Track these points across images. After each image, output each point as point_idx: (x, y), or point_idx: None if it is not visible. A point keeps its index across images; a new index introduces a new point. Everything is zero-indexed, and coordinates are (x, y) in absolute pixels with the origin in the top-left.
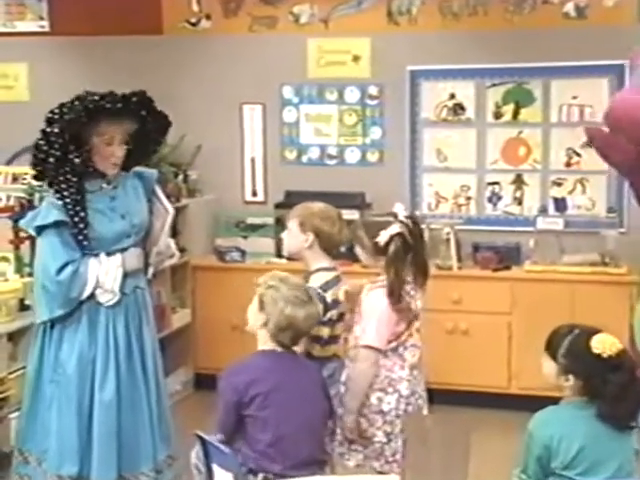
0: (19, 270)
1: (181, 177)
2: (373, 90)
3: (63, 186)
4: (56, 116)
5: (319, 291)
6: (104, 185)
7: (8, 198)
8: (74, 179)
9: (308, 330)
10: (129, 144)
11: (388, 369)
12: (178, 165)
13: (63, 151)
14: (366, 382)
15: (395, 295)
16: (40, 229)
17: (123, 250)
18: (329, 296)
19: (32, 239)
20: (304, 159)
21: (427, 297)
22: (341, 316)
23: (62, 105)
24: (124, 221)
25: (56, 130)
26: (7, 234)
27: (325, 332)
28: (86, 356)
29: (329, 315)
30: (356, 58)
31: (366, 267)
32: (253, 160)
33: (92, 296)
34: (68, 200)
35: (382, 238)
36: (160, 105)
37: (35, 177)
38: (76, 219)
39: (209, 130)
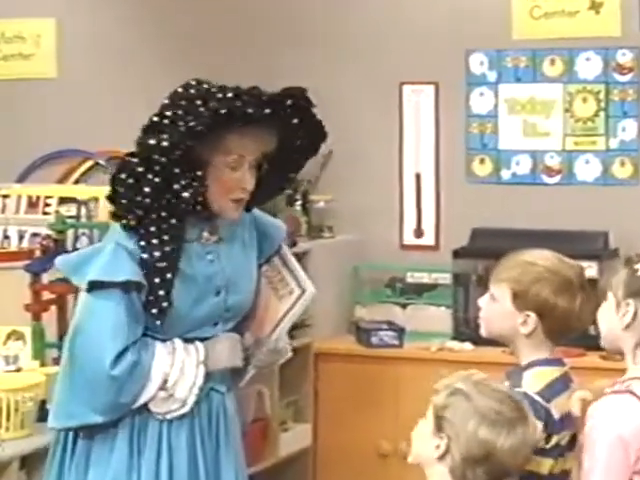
0: (39, 354)
1: (299, 204)
2: (625, 57)
3: (153, 229)
4: (165, 120)
5: (538, 399)
6: (205, 234)
7: (21, 237)
8: (173, 221)
9: (517, 466)
10: (261, 169)
11: None
12: (294, 185)
13: (165, 176)
14: None
15: None
16: (96, 285)
17: (201, 340)
18: (555, 408)
19: (61, 300)
20: (505, 175)
21: None
22: (573, 439)
23: (172, 105)
24: (217, 299)
25: (165, 144)
26: (22, 294)
27: (546, 466)
28: None
29: (555, 440)
30: (596, 5)
31: (608, 358)
32: (418, 177)
33: None
34: (157, 254)
35: None
36: (266, 88)
37: (114, 215)
38: (157, 280)
39: (346, 127)
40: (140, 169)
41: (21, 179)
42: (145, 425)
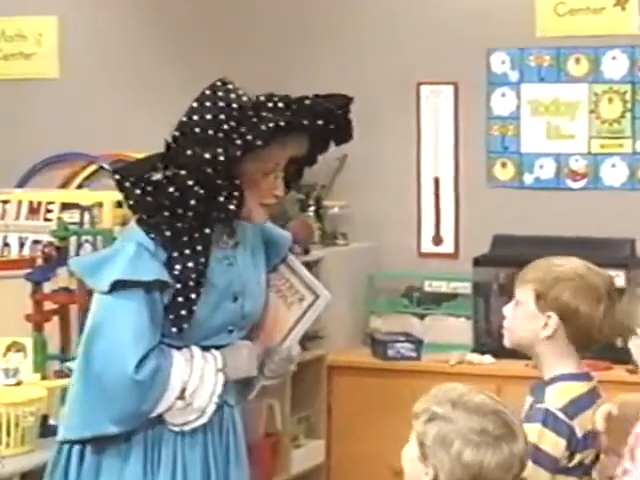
0: (41, 367)
1: (312, 210)
2: None
3: (185, 239)
4: (219, 134)
5: (561, 416)
6: (224, 237)
7: (22, 244)
8: (207, 230)
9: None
10: (287, 174)
11: None
12: (307, 189)
13: (210, 188)
14: None
15: None
16: (119, 285)
17: (216, 348)
18: (578, 426)
19: (63, 310)
20: (528, 180)
21: None
22: (597, 457)
23: (203, 108)
24: (234, 305)
25: (221, 159)
26: (22, 304)
27: None
28: None
29: (578, 458)
30: (622, 1)
31: (635, 372)
32: (437, 182)
33: None
34: (191, 264)
35: None
36: (276, 89)
37: (145, 224)
38: (179, 286)
39: (361, 130)
40: (190, 182)
41: (22, 184)
42: (159, 439)
